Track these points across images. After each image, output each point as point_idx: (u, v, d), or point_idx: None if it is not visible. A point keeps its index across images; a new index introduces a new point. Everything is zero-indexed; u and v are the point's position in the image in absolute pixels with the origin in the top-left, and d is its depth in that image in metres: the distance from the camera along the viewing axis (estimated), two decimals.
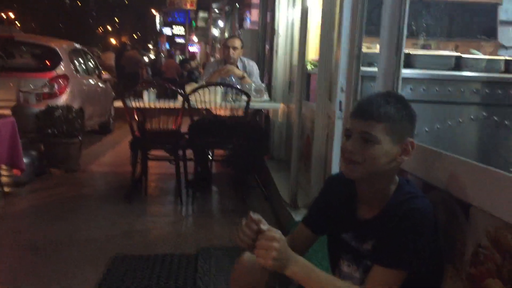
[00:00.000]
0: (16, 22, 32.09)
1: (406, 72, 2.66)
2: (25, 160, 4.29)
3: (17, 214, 3.82)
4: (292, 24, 5.01)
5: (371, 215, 1.41)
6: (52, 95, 5.89)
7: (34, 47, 6.68)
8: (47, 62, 6.29)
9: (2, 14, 31.09)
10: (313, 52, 4.20)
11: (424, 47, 3.79)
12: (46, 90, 5.82)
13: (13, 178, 4.37)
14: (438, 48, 3.84)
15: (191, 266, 2.87)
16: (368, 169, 1.34)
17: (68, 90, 6.09)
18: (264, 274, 1.55)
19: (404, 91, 2.65)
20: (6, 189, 4.30)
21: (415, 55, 2.92)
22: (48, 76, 5.99)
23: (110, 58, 14.26)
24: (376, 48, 2.78)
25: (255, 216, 1.32)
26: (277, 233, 1.27)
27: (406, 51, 2.92)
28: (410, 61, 2.91)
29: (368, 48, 3.20)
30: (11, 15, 32.17)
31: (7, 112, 4.92)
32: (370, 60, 2.79)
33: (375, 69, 2.28)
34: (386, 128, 1.32)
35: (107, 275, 2.72)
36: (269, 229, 1.29)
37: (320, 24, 3.31)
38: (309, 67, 3.98)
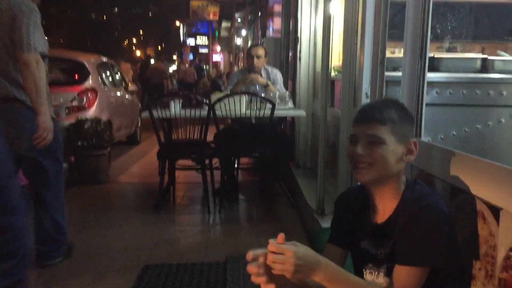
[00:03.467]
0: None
1: (431, 76, 2.64)
2: None
3: None
4: (315, 31, 5.02)
5: (385, 219, 1.45)
6: (81, 108, 6.01)
7: (63, 61, 6.84)
8: (75, 76, 6.44)
9: None
10: (336, 58, 4.20)
11: (449, 50, 3.74)
12: (75, 103, 5.96)
13: None
14: (464, 51, 3.80)
15: (220, 275, 2.89)
16: (379, 170, 1.40)
17: (96, 103, 6.21)
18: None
19: (430, 95, 2.64)
20: None
21: (440, 58, 2.89)
22: (77, 90, 6.12)
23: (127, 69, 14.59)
24: (400, 53, 2.76)
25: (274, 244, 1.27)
26: (288, 247, 1.25)
27: (431, 54, 2.91)
28: (435, 65, 2.88)
29: (391, 52, 3.19)
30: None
31: None
32: (394, 65, 2.78)
33: (399, 73, 2.28)
34: (389, 130, 1.40)
35: (138, 284, 2.77)
36: (279, 247, 1.26)
37: (343, 30, 3.32)
38: (333, 73, 3.98)
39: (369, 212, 1.51)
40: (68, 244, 3.18)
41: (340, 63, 3.59)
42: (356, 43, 3.09)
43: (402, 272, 1.34)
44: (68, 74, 6.57)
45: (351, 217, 1.56)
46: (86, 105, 6.07)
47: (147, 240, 3.54)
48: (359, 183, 1.54)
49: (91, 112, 6.02)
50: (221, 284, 2.76)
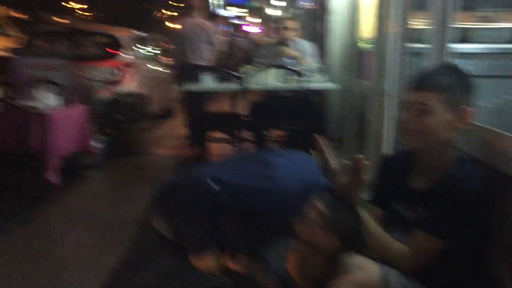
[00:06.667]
0: (78, 11, 33.01)
1: (462, 47, 2.60)
2: (97, 145, 4.55)
3: (93, 195, 4.10)
4: (348, 2, 4.95)
5: (426, 187, 1.44)
6: (117, 82, 5.97)
7: (98, 36, 6.89)
8: (110, 50, 6.46)
9: (66, 4, 32.01)
10: (368, 30, 4.16)
11: (482, 19, 3.65)
12: (111, 77, 5.93)
13: (88, 161, 4.64)
14: (498, 20, 3.69)
15: None
16: (426, 138, 1.38)
17: (132, 76, 6.19)
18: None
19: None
20: (85, 172, 4.60)
21: (470, 29, 2.85)
22: (112, 64, 6.13)
23: None
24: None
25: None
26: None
27: (461, 25, 2.86)
28: (467, 36, 2.84)
29: (419, 24, 3.15)
30: (74, 4, 33.08)
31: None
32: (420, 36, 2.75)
33: (425, 45, 2.28)
34: (440, 98, 1.36)
35: None
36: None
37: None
38: (364, 45, 3.95)
39: (409, 176, 1.51)
40: None
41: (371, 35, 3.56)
42: (388, 14, 3.05)
43: (420, 237, 1.35)
44: (103, 48, 6.57)
45: (391, 178, 1.57)
46: (122, 79, 5.99)
47: None
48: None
49: (127, 86, 5.99)
50: None
